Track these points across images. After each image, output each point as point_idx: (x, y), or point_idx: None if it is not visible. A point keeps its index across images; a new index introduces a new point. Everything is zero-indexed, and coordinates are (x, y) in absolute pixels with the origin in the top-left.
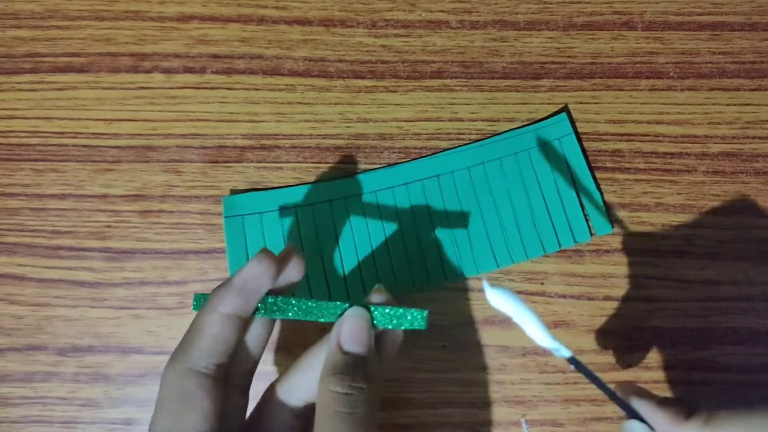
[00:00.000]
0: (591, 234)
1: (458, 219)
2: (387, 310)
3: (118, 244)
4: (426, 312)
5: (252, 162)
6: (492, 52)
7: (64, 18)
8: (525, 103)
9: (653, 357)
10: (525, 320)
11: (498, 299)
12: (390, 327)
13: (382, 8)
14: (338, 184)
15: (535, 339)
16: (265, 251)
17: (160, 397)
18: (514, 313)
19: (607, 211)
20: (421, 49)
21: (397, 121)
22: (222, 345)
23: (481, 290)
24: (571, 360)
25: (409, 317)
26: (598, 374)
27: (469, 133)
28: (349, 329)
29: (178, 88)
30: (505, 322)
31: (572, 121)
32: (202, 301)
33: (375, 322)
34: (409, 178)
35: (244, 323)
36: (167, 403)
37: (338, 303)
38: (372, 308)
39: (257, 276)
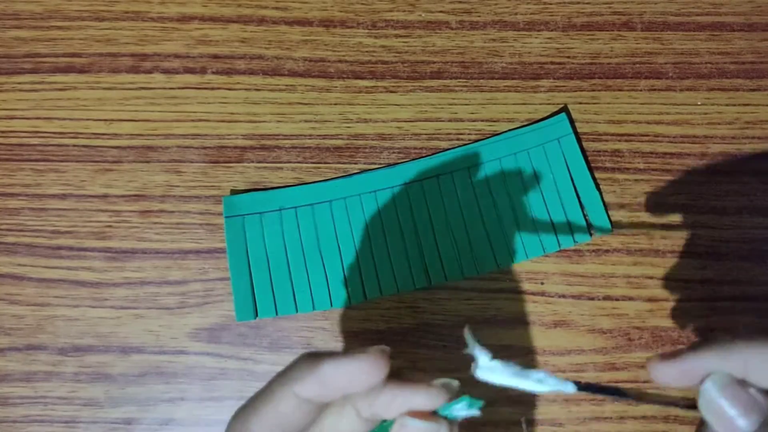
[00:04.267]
0: (591, 234)
1: (458, 219)
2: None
3: (118, 244)
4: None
5: (252, 162)
6: (491, 52)
7: (64, 18)
8: (524, 104)
9: None
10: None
11: (488, 375)
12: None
13: (382, 9)
14: (338, 184)
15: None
16: (381, 353)
17: None
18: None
19: (607, 211)
20: (421, 50)
21: (397, 121)
22: (288, 424)
23: (481, 290)
24: (581, 388)
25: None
26: (597, 374)
27: (469, 134)
28: None
29: (179, 88)
30: (505, 321)
31: (572, 122)
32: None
33: None
34: (408, 179)
35: (320, 408)
36: None
37: None
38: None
39: (351, 379)
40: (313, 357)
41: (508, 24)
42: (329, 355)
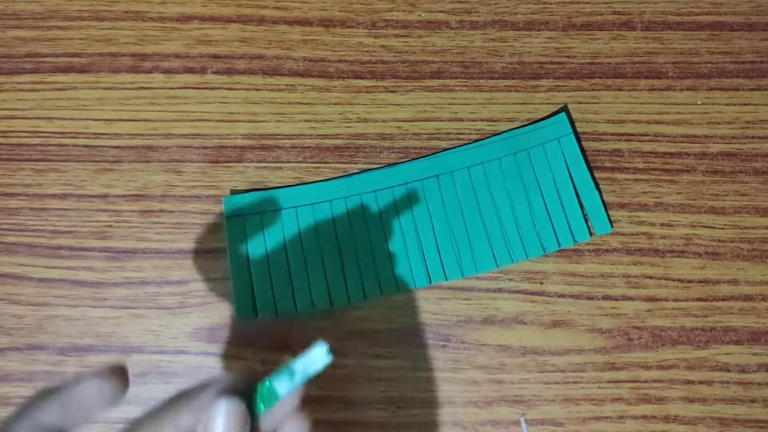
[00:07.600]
0: (590, 234)
1: (458, 219)
2: (285, 372)
3: (118, 243)
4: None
5: (252, 162)
6: (491, 52)
7: (64, 18)
8: (524, 103)
9: (653, 357)
10: None
11: None
12: (293, 387)
13: (382, 8)
14: (338, 184)
15: None
16: (112, 371)
17: None
18: None
19: (607, 210)
20: (421, 50)
21: (397, 121)
22: None
23: (480, 290)
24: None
25: (310, 361)
26: (597, 374)
27: (469, 133)
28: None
29: (179, 88)
30: (504, 321)
31: (571, 121)
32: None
33: (269, 398)
34: (408, 178)
35: None
36: None
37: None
38: (267, 383)
39: (92, 397)
40: (48, 390)
41: (508, 24)
42: (64, 382)
